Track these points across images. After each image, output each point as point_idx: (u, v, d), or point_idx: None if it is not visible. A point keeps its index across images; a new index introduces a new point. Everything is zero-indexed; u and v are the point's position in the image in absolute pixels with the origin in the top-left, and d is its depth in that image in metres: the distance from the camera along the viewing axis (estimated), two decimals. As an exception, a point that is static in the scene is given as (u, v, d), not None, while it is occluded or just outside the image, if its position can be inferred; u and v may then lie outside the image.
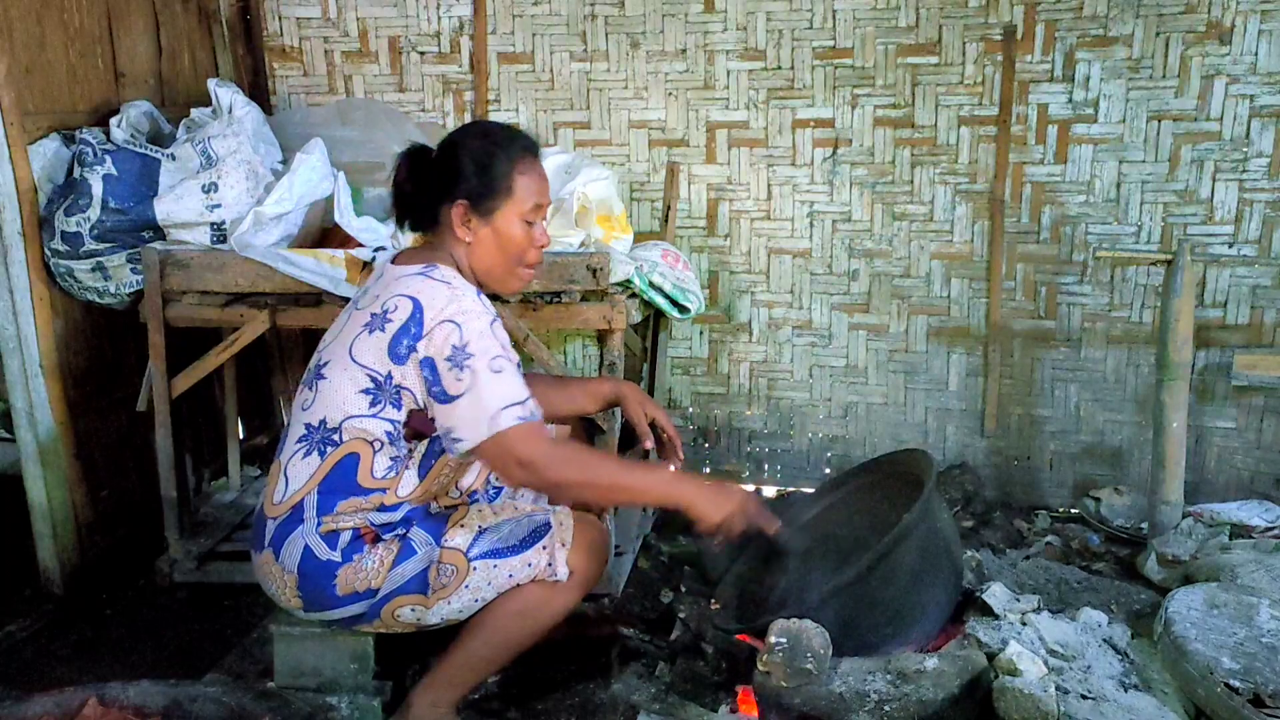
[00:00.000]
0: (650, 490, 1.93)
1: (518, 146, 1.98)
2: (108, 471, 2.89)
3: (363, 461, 1.89)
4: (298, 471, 1.92)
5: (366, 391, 1.87)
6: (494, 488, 2.17)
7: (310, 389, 1.94)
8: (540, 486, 1.87)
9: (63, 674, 2.38)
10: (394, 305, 1.86)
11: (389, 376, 1.86)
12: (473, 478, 2.08)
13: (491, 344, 1.84)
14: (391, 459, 1.91)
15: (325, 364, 1.93)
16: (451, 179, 1.94)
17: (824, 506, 2.56)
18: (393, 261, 1.99)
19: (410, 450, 1.93)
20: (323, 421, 1.90)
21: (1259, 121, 3.03)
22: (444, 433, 1.84)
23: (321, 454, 1.90)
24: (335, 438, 1.89)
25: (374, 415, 1.88)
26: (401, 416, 1.89)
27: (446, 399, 1.81)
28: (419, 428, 1.91)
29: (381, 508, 1.92)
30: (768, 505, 2.02)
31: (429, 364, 1.83)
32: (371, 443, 1.89)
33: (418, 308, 1.84)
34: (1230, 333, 3.16)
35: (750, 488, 3.52)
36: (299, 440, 1.93)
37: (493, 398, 1.79)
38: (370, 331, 1.87)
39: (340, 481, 1.90)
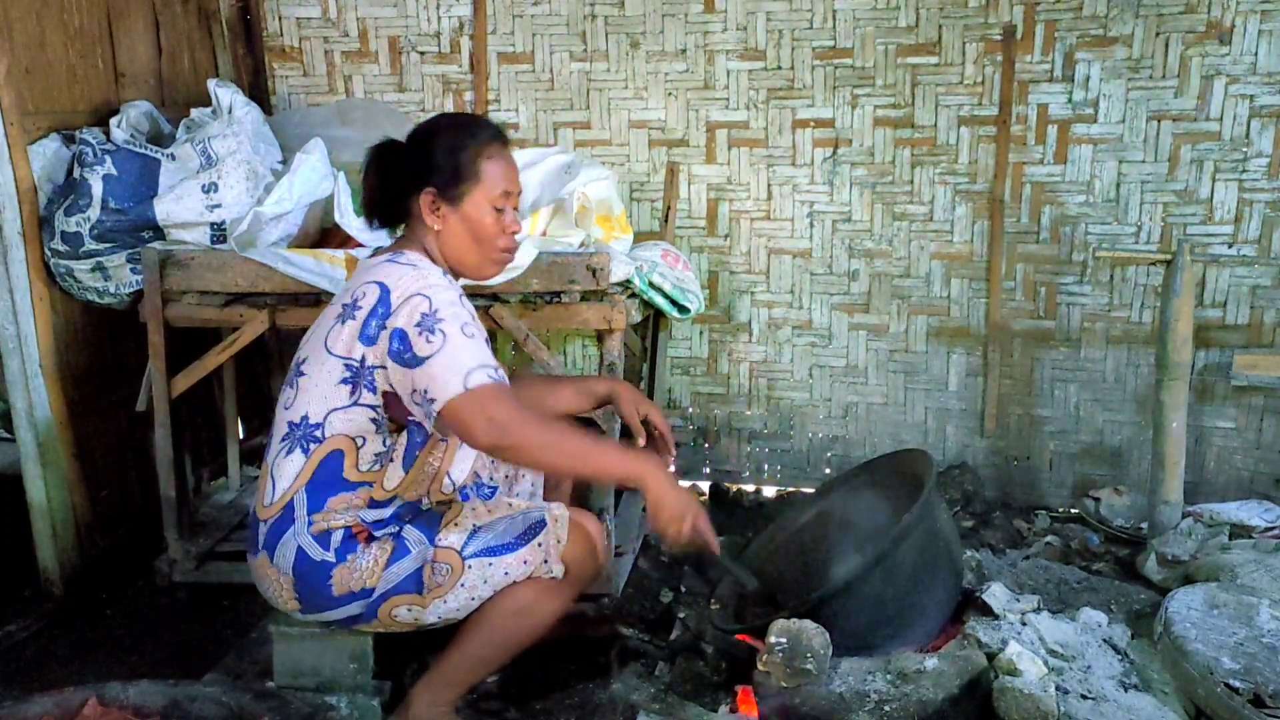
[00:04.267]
0: (613, 463, 1.88)
1: (484, 134, 1.98)
2: (108, 471, 2.89)
3: (348, 457, 1.90)
4: (284, 471, 1.92)
5: (345, 381, 1.88)
6: (487, 486, 2.17)
7: (291, 386, 1.95)
8: (505, 446, 1.79)
9: (63, 674, 2.38)
10: (362, 293, 1.88)
11: (362, 359, 1.86)
12: (462, 473, 2.08)
13: (460, 311, 1.86)
14: (375, 454, 1.91)
15: (304, 360, 1.94)
16: (419, 168, 1.94)
17: (824, 506, 2.56)
18: (369, 258, 2.01)
19: (393, 443, 1.93)
20: (304, 418, 1.90)
21: (1259, 121, 3.03)
22: (419, 398, 1.82)
23: (305, 451, 1.90)
24: (318, 434, 1.89)
25: (355, 403, 1.88)
26: (378, 400, 1.88)
27: (418, 362, 1.80)
28: (399, 418, 1.91)
29: (371, 503, 1.92)
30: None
31: (399, 334, 1.82)
32: (355, 438, 1.89)
33: (384, 290, 1.85)
34: (1230, 333, 3.16)
35: (750, 488, 3.53)
36: (282, 439, 1.93)
37: (467, 356, 1.79)
38: (343, 322, 1.88)
39: (327, 478, 1.90)
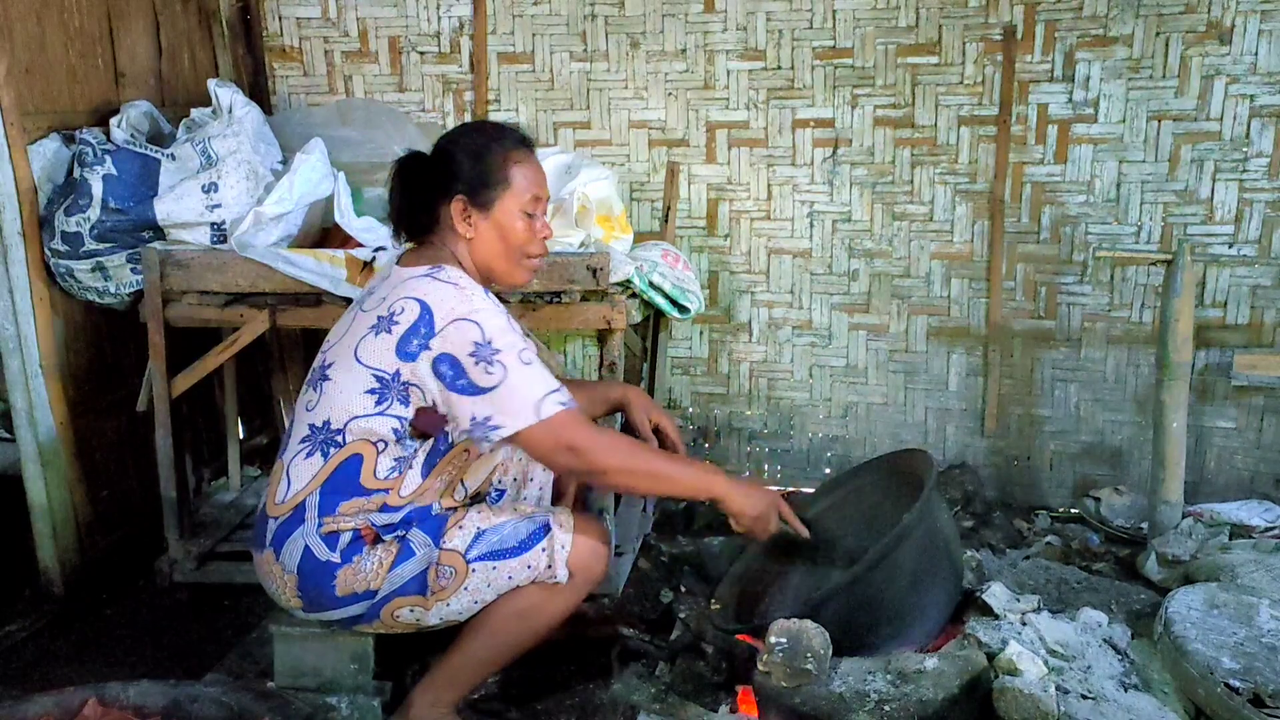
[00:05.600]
0: (688, 481, 1.97)
1: (512, 139, 1.99)
2: (108, 471, 2.89)
3: (366, 463, 1.89)
4: (300, 472, 1.92)
5: (372, 391, 1.87)
6: (497, 490, 2.17)
7: (315, 390, 1.94)
8: (586, 471, 1.90)
9: (63, 674, 2.38)
10: (401, 308, 1.86)
11: (396, 374, 1.85)
12: (477, 481, 2.08)
13: (515, 338, 1.86)
14: (395, 460, 1.91)
15: (330, 365, 1.93)
16: (449, 176, 1.94)
17: (824, 506, 2.56)
18: (398, 263, 1.99)
19: (415, 450, 1.93)
20: (326, 422, 1.90)
21: (1259, 121, 3.03)
22: (474, 422, 1.84)
23: (325, 455, 1.90)
24: (339, 439, 1.89)
25: (380, 413, 1.87)
26: (409, 413, 1.88)
27: (477, 391, 1.81)
28: (424, 428, 1.91)
29: (384, 508, 1.92)
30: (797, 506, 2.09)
31: (448, 360, 1.82)
32: (375, 443, 1.89)
33: (425, 309, 1.84)
34: (1230, 333, 3.16)
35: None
36: (302, 440, 1.93)
37: (533, 386, 1.82)
38: (376, 334, 1.87)
39: (343, 482, 1.90)
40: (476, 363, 1.81)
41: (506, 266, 2.00)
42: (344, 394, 1.89)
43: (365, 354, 1.88)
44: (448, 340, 1.82)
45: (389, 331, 1.86)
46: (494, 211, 1.94)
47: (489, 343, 1.82)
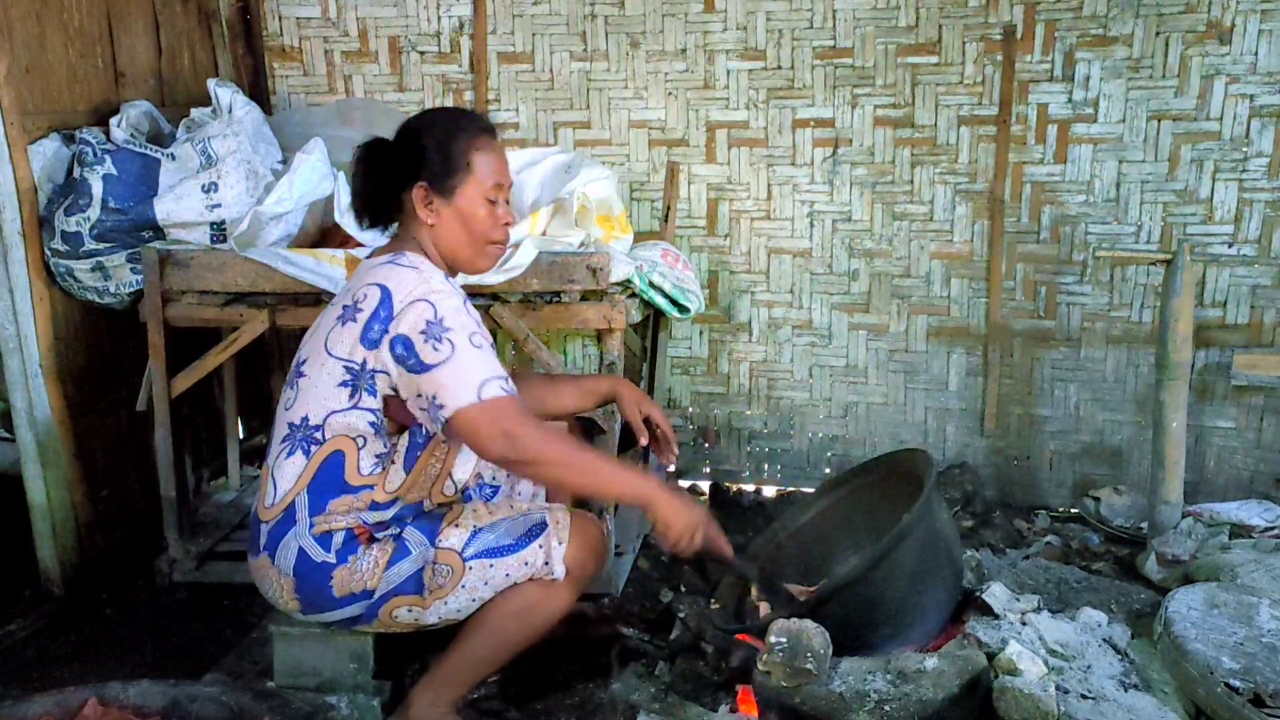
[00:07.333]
0: (620, 485, 1.90)
1: (475, 126, 1.98)
2: (108, 471, 2.89)
3: (349, 459, 1.89)
4: (285, 473, 1.91)
5: (345, 384, 1.87)
6: (490, 486, 2.17)
7: (291, 388, 1.95)
8: (517, 459, 1.82)
9: (63, 674, 2.38)
10: (364, 295, 1.87)
11: (363, 363, 1.86)
12: (465, 473, 2.08)
13: (467, 320, 1.86)
14: (376, 456, 1.91)
15: (304, 361, 1.94)
16: (411, 163, 1.94)
17: (824, 506, 2.56)
18: (368, 257, 2.00)
19: (394, 445, 1.93)
20: (304, 419, 1.90)
21: (1259, 121, 3.03)
22: (425, 403, 1.83)
23: (306, 453, 1.90)
24: (318, 435, 1.89)
25: (354, 407, 1.88)
26: (378, 404, 1.88)
27: (424, 368, 1.80)
28: (400, 419, 1.90)
29: (373, 505, 1.92)
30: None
31: (402, 340, 1.82)
32: (355, 439, 1.89)
33: (386, 293, 1.85)
34: (1230, 332, 3.16)
35: (750, 488, 3.53)
36: (283, 440, 1.93)
37: (478, 367, 1.80)
38: (343, 323, 1.88)
39: (328, 481, 1.90)
40: (426, 340, 1.81)
41: (469, 254, 1.99)
42: (319, 388, 1.89)
43: (334, 345, 1.88)
44: (404, 321, 1.82)
45: (354, 320, 1.86)
46: (456, 198, 1.94)
47: (440, 320, 1.81)
